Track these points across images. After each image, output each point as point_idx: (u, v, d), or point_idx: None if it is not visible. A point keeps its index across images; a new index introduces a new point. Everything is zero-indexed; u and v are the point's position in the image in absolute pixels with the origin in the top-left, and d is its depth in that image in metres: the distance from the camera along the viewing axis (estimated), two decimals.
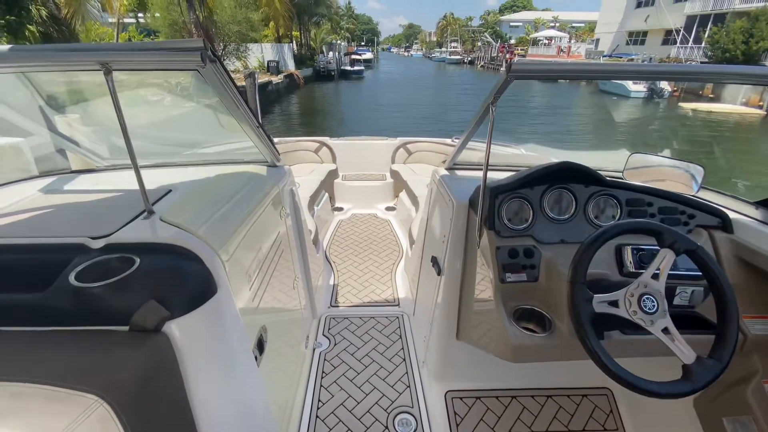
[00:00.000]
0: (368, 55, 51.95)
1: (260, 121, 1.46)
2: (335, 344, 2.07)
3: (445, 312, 1.62)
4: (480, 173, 1.40)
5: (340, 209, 3.83)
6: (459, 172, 1.84)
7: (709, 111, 18.91)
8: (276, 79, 21.83)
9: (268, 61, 23.19)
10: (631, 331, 1.11)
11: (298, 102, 23.41)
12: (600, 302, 0.94)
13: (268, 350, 1.33)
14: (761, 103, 18.84)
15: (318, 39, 37.99)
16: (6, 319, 0.84)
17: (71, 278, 0.83)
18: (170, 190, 1.28)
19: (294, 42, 31.61)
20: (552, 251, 1.28)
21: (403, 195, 3.55)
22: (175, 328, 0.86)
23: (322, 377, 1.86)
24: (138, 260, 0.88)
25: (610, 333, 1.13)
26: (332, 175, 3.78)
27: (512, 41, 59.00)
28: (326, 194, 3.54)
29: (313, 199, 3.12)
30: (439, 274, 1.65)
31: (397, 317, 2.28)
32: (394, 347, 2.05)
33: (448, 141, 3.76)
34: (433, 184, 1.90)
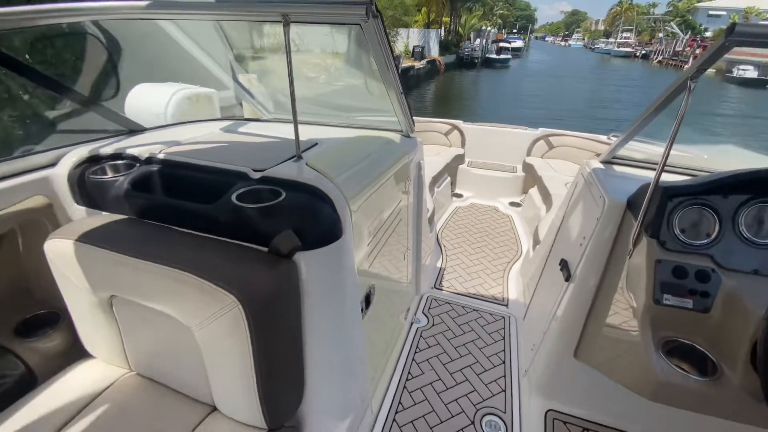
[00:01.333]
0: (518, 44, 48.52)
1: (402, 89, 1.47)
2: (433, 324, 2.03)
3: (566, 324, 1.41)
4: (646, 173, 1.14)
5: (460, 196, 3.71)
6: (618, 168, 1.55)
7: None
8: (418, 64, 22.22)
9: (414, 47, 23.68)
10: None
11: (435, 88, 23.43)
12: None
13: (371, 310, 1.37)
14: None
15: (467, 25, 37.04)
16: (179, 220, 1.03)
17: (232, 198, 0.96)
18: (317, 143, 1.40)
19: (443, 28, 31.51)
20: (738, 281, 0.98)
21: (533, 192, 3.24)
22: (303, 258, 0.94)
23: (416, 352, 1.85)
24: (284, 194, 0.98)
25: None
26: (458, 159, 3.67)
27: (708, 33, 47.62)
28: (448, 178, 3.47)
29: (435, 180, 3.09)
30: (567, 280, 1.44)
31: (504, 317, 2.12)
32: (494, 346, 1.92)
33: (603, 138, 3.25)
34: (581, 177, 1.65)
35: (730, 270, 1.00)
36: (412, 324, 2.04)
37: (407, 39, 23.73)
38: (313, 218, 0.96)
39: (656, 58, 47.49)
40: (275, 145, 1.40)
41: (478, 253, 2.76)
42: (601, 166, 1.57)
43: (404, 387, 1.67)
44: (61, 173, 1.24)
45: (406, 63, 20.76)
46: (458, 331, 2.01)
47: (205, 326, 0.84)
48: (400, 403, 1.60)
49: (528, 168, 3.43)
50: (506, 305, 2.24)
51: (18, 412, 0.99)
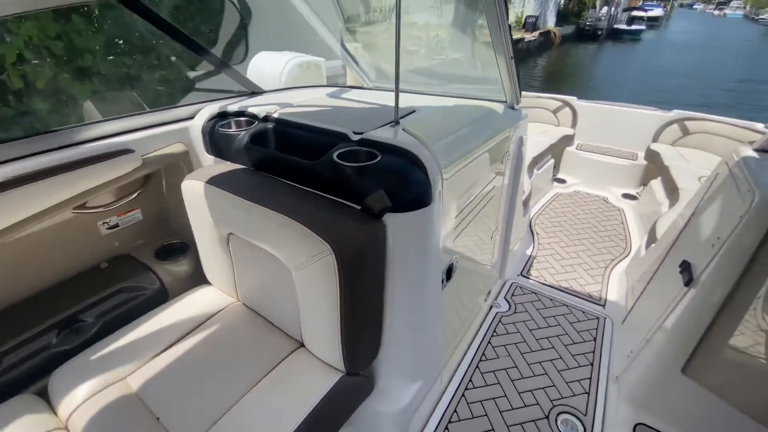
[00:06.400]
0: (656, 12, 40.84)
1: (513, 54, 1.36)
2: (515, 311, 1.94)
3: (678, 334, 1.23)
4: None
5: (563, 181, 3.38)
6: None
7: None
8: (529, 36, 20.31)
9: (527, 17, 21.62)
10: None
11: (546, 63, 21.25)
12: None
13: (452, 284, 1.36)
14: None
15: None
16: (287, 173, 1.13)
17: (334, 156, 1.02)
18: (414, 110, 1.39)
19: None
20: None
21: (655, 183, 2.80)
22: (392, 220, 0.96)
23: (492, 336, 1.80)
24: (380, 156, 1.00)
25: None
26: (566, 140, 3.32)
27: None
28: (552, 160, 3.17)
29: (535, 161, 2.85)
30: (687, 284, 1.24)
31: (598, 318, 1.92)
32: (582, 346, 1.76)
33: (759, 126, 2.64)
34: (725, 167, 1.37)
35: None
36: (491, 307, 1.97)
37: (523, 8, 21.73)
38: (404, 182, 0.97)
39: None
40: (375, 110, 1.42)
41: (576, 245, 2.52)
42: (755, 154, 1.28)
43: (477, 367, 1.64)
44: (196, 125, 1.44)
45: (516, 35, 19.15)
46: (542, 323, 1.89)
47: (302, 268, 0.93)
48: (471, 381, 1.58)
49: (652, 156, 2.96)
50: (603, 305, 2.02)
51: (152, 319, 1.23)
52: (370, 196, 0.93)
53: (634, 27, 31.76)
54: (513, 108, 1.70)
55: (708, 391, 1.13)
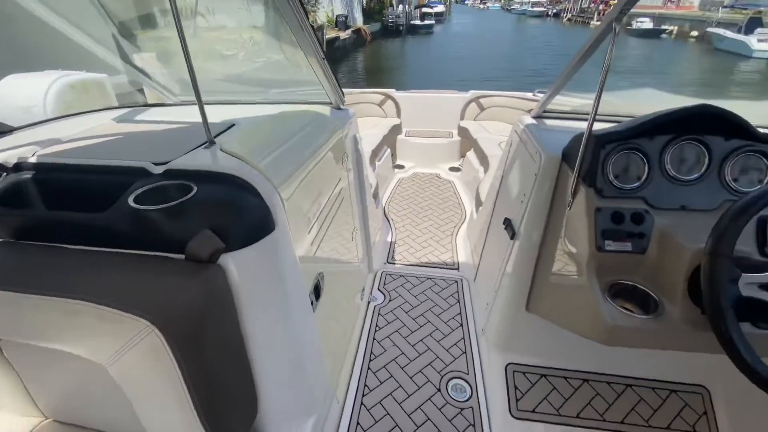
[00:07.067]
0: (440, 8, 48.32)
1: (325, 53, 1.33)
2: (390, 300, 2.01)
3: (516, 280, 1.44)
4: (577, 124, 1.15)
5: (401, 167, 3.67)
6: (549, 122, 1.57)
7: None
8: (343, 34, 21.38)
9: (337, 16, 22.68)
10: (766, 325, 0.86)
11: (364, 59, 22.86)
12: (749, 283, 0.71)
13: (323, 298, 1.29)
14: None
15: None
16: (66, 236, 0.84)
17: (130, 200, 0.80)
18: (233, 125, 1.23)
19: None
20: (668, 218, 1.03)
21: (470, 155, 3.28)
22: (231, 261, 0.81)
23: (375, 330, 1.82)
24: (195, 188, 0.83)
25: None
26: (395, 130, 3.60)
27: None
28: (388, 150, 3.40)
29: (375, 154, 3.00)
30: (512, 237, 1.46)
31: (456, 281, 2.15)
32: (450, 311, 1.94)
33: (530, 95, 3.35)
34: (515, 135, 1.66)
35: (660, 209, 1.04)
36: (369, 303, 1.99)
37: (331, 6, 22.59)
38: (235, 213, 0.83)
39: (566, 16, 50.44)
40: (182, 131, 1.21)
41: (425, 221, 2.76)
42: (534, 121, 1.58)
43: (368, 368, 1.63)
44: None
45: (331, 34, 19.86)
46: (415, 301, 2.00)
47: (117, 360, 0.70)
48: (366, 386, 1.56)
49: (463, 132, 3.46)
50: (457, 269, 2.27)
51: None
52: (192, 241, 0.76)
53: (426, 22, 36.93)
54: (339, 108, 1.69)
55: (545, 320, 1.37)
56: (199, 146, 1.01)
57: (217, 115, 1.31)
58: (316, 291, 1.22)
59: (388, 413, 1.46)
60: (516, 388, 1.54)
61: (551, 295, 1.29)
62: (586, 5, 46.58)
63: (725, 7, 29.35)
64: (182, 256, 0.78)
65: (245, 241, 0.82)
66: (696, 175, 1.05)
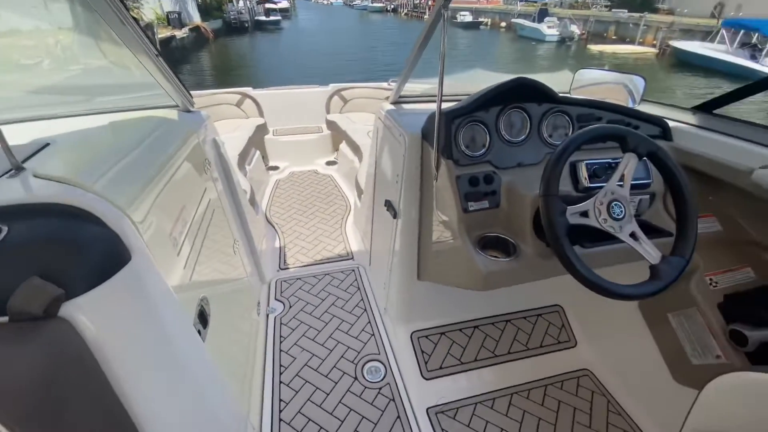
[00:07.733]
0: (284, 4, 47.15)
1: (159, 50, 1.17)
2: (290, 307, 1.93)
3: (404, 254, 1.54)
4: (429, 105, 1.27)
5: (276, 168, 3.52)
6: (406, 106, 1.70)
7: (614, 52, 20.68)
8: (180, 33, 19.13)
9: (168, 13, 20.08)
10: (589, 245, 1.12)
11: (210, 59, 20.98)
12: (572, 213, 0.91)
13: (213, 323, 1.16)
14: (654, 42, 20.97)
15: None
16: None
17: None
18: (48, 144, 0.99)
19: None
20: (510, 175, 1.23)
21: (343, 147, 3.34)
22: (76, 309, 0.65)
23: (280, 342, 1.73)
24: (6, 228, 0.64)
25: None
26: (261, 130, 3.41)
27: None
28: (257, 152, 3.21)
29: (243, 157, 2.80)
30: (395, 217, 1.55)
31: (353, 270, 2.19)
32: (353, 299, 1.97)
33: (385, 85, 3.55)
34: (379, 122, 1.75)
35: (503, 168, 1.24)
36: (268, 315, 1.88)
37: (159, 2, 19.80)
38: (71, 249, 0.66)
39: (403, 11, 55.08)
40: None
41: (312, 220, 2.72)
42: (392, 107, 1.69)
43: (280, 382, 1.55)
44: None
45: (164, 33, 17.52)
46: (316, 301, 1.97)
47: None
48: (281, 400, 1.48)
49: (332, 125, 3.49)
50: (352, 258, 2.31)
51: None
52: (14, 296, 0.59)
53: (272, 18, 35.64)
54: (189, 111, 1.52)
55: (434, 284, 1.51)
56: (1, 176, 0.78)
57: (24, 136, 1.04)
58: (202, 318, 1.09)
59: (310, 419, 1.42)
60: (423, 352, 1.67)
61: (435, 261, 1.42)
62: (418, 1, 51.65)
63: (522, 0, 36.02)
64: (5, 318, 0.60)
65: (93, 282, 0.67)
66: (523, 137, 1.28)
